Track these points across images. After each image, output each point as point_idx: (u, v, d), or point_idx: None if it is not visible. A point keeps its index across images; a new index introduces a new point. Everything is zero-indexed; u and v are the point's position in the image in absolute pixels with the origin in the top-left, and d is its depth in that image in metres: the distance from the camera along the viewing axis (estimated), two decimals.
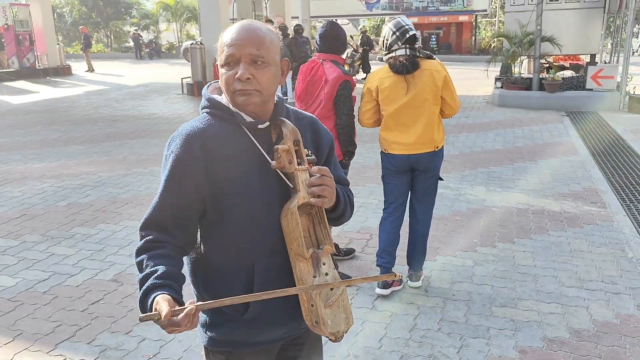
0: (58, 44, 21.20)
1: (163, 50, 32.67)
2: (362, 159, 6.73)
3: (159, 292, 1.26)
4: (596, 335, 3.04)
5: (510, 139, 8.19)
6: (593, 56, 12.57)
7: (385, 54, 3.41)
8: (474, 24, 28.60)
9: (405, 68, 3.28)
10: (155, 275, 1.31)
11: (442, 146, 3.46)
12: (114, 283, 3.76)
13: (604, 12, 12.04)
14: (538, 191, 5.64)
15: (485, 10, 27.44)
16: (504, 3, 14.59)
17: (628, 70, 10.89)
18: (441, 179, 3.56)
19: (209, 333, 1.52)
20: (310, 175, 1.40)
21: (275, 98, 1.49)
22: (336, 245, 4.11)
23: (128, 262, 4.05)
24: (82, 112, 11.57)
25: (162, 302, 1.21)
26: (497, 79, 12.08)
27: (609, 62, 12.70)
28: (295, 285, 1.36)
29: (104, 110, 11.77)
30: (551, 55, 11.78)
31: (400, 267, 3.76)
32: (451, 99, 3.39)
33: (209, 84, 1.55)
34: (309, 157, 1.44)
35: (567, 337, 3.03)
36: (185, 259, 1.49)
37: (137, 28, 33.89)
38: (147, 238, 1.39)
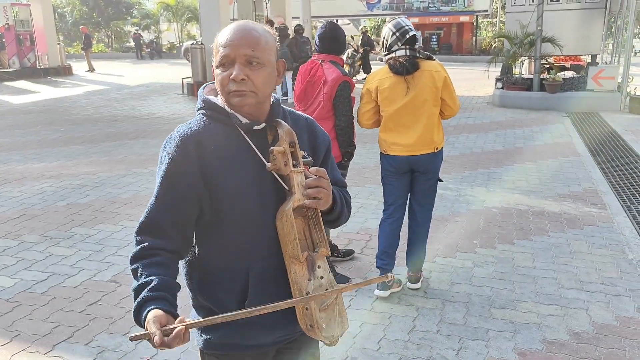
0: (59, 43, 21.22)
1: (164, 50, 32.67)
2: (362, 159, 6.72)
3: (153, 307, 1.25)
4: (596, 338, 3.02)
5: (511, 140, 8.17)
6: (594, 57, 12.55)
7: (385, 55, 3.40)
8: (474, 24, 28.57)
9: (405, 69, 3.27)
10: (150, 287, 1.30)
11: (442, 147, 3.45)
12: (113, 284, 3.75)
13: (605, 13, 12.03)
14: (538, 192, 5.63)
15: (486, 11, 27.41)
16: (505, 3, 14.57)
17: (629, 71, 10.87)
18: (440, 180, 3.55)
19: (204, 336, 1.51)
20: (307, 177, 1.39)
21: (272, 99, 1.48)
22: (335, 246, 4.10)
23: (126, 262, 4.01)
24: (82, 112, 11.57)
25: (152, 323, 1.20)
26: (497, 80, 12.06)
27: (609, 63, 12.68)
28: (289, 289, 1.35)
29: (104, 110, 11.77)
30: (552, 55, 11.77)
31: (400, 268, 3.75)
32: (451, 100, 3.38)
33: (205, 85, 1.54)
34: (305, 159, 1.43)
35: (567, 339, 3.02)
36: (180, 261, 1.48)
37: (137, 28, 33.90)
38: (142, 245, 1.37)
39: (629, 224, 4.70)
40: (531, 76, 11.76)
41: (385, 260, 3.53)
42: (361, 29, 21.94)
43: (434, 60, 3.40)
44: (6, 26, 18.53)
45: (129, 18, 36.78)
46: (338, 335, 1.38)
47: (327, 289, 1.35)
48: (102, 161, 7.18)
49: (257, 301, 1.39)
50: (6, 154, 7.68)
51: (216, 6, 12.89)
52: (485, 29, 31.21)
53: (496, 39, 16.50)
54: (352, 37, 20.54)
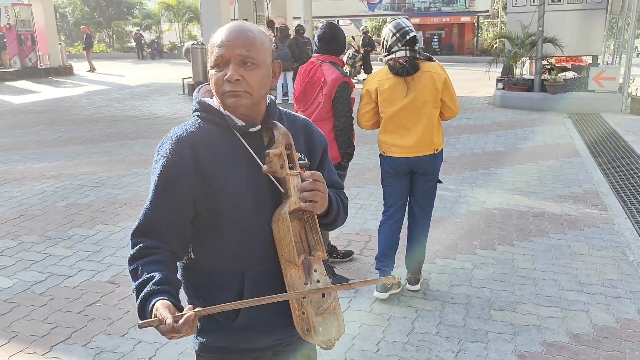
0: (60, 44, 21.22)
1: (165, 50, 32.67)
2: (362, 160, 6.71)
3: (159, 298, 1.25)
4: (596, 340, 3.01)
5: (512, 141, 8.16)
6: (595, 57, 12.52)
7: (385, 56, 3.39)
8: (476, 24, 28.54)
9: (405, 70, 3.25)
10: (153, 281, 1.29)
11: (442, 149, 3.44)
12: (111, 284, 3.74)
13: (606, 13, 12.01)
14: (539, 193, 5.61)
15: (488, 11, 27.39)
16: (506, 4, 14.57)
17: (630, 71, 10.85)
18: (440, 182, 3.54)
19: (199, 339, 1.50)
20: (303, 180, 1.38)
21: (267, 100, 1.47)
22: (335, 247, 4.08)
23: (125, 263, 4.01)
24: (83, 112, 11.57)
25: (162, 309, 1.20)
26: (498, 80, 12.04)
27: (611, 64, 12.66)
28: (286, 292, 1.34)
29: (105, 110, 11.77)
30: (553, 56, 11.75)
31: (399, 269, 3.74)
32: (451, 101, 3.37)
33: (200, 86, 1.53)
34: (301, 161, 1.42)
35: (567, 342, 3.00)
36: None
37: (139, 28, 33.91)
38: (140, 245, 1.37)
39: (629, 226, 4.69)
40: (532, 77, 11.75)
41: (384, 262, 3.52)
42: (362, 29, 21.93)
43: (434, 61, 3.38)
44: (7, 26, 18.54)
45: (130, 18, 36.79)
46: (334, 340, 1.37)
47: (323, 293, 1.34)
48: (102, 161, 7.18)
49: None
50: (6, 154, 7.68)
51: (217, 6, 12.88)
52: (486, 30, 31.17)
53: (497, 40, 16.49)
54: (353, 37, 20.50)
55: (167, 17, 33.86)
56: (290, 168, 1.36)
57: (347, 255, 4.11)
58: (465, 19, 27.92)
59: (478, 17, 27.87)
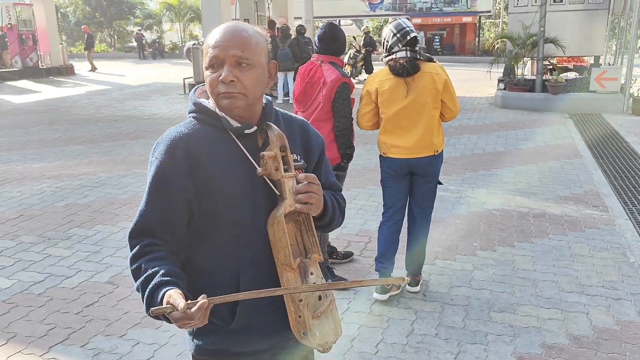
0: (61, 43, 21.23)
1: (166, 50, 32.67)
2: (363, 160, 6.69)
3: (169, 288, 1.24)
4: (596, 342, 2.99)
5: (513, 141, 8.14)
6: (597, 58, 12.49)
7: (386, 56, 3.37)
8: (477, 25, 28.51)
9: (405, 70, 3.24)
10: (160, 273, 1.28)
11: (442, 150, 3.42)
12: (110, 285, 3.73)
13: (608, 14, 11.98)
14: (539, 194, 5.60)
15: (489, 12, 27.35)
16: (508, 4, 14.54)
17: (632, 72, 10.82)
18: (440, 183, 3.52)
19: (195, 341, 1.49)
20: (297, 182, 1.36)
21: (264, 101, 1.45)
22: (334, 249, 4.07)
23: (124, 264, 4.01)
24: (83, 112, 11.57)
25: (175, 296, 1.19)
26: (500, 81, 12.02)
27: (612, 64, 12.63)
28: (282, 297, 1.32)
29: (105, 110, 11.77)
30: (554, 56, 11.72)
31: (399, 271, 3.73)
32: (451, 102, 3.35)
33: (196, 87, 1.51)
34: (297, 163, 1.41)
35: (567, 344, 2.98)
36: None
37: (140, 28, 33.91)
38: (141, 244, 1.36)
39: (630, 227, 4.67)
40: (533, 77, 11.71)
41: (384, 264, 3.51)
42: (363, 29, 21.91)
43: (435, 62, 3.37)
44: (9, 26, 18.56)
45: (132, 18, 36.79)
46: (331, 343, 1.35)
47: (319, 296, 1.32)
48: (102, 161, 7.17)
49: (248, 308, 1.36)
50: (6, 153, 7.67)
51: (218, 6, 12.88)
52: (488, 30, 31.13)
53: (499, 40, 16.46)
54: (354, 37, 20.48)
55: (169, 17, 33.86)
56: (285, 170, 1.35)
57: (347, 256, 4.10)
58: (466, 19, 27.88)
59: (480, 17, 27.84)
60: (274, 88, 12.92)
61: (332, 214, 1.48)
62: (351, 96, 3.60)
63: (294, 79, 12.20)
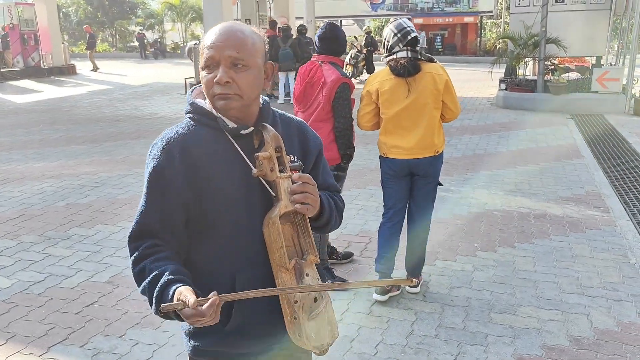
0: (63, 43, 21.25)
1: (168, 50, 32.69)
2: (363, 160, 6.69)
3: (179, 285, 1.24)
4: (596, 344, 2.98)
5: (514, 142, 8.12)
6: (599, 58, 12.46)
7: (386, 56, 3.36)
8: (479, 25, 28.47)
9: (406, 70, 3.22)
10: (168, 272, 1.28)
11: (442, 151, 3.41)
12: (110, 285, 3.73)
13: (610, 14, 11.96)
14: (540, 195, 5.58)
15: (491, 12, 27.31)
16: (510, 4, 14.53)
17: (634, 73, 10.79)
18: (440, 184, 3.51)
19: (192, 342, 1.49)
20: (293, 183, 1.36)
21: (261, 101, 1.45)
22: (334, 249, 4.07)
23: (124, 264, 4.02)
24: (85, 111, 11.57)
25: (185, 292, 1.18)
26: (501, 81, 12.00)
27: (614, 65, 12.60)
28: (278, 298, 1.31)
29: (107, 110, 11.77)
30: (556, 57, 11.70)
31: (399, 272, 3.72)
32: (452, 103, 3.34)
33: (193, 87, 1.51)
34: (294, 164, 1.40)
35: (567, 345, 2.97)
36: None
37: (142, 28, 33.93)
38: (143, 246, 1.35)
39: (632, 228, 4.65)
40: (535, 77, 11.70)
41: (384, 265, 3.50)
42: (365, 29, 21.89)
43: (436, 62, 3.36)
44: (10, 25, 18.58)
45: (134, 18, 36.82)
46: (328, 345, 1.34)
47: (315, 298, 1.32)
48: (103, 161, 7.18)
49: (244, 310, 1.36)
50: (7, 153, 7.68)
51: (219, 6, 12.87)
52: (489, 30, 31.10)
53: (500, 40, 16.45)
54: (355, 37, 20.46)
55: (170, 17, 33.87)
56: (281, 171, 1.34)
57: (347, 256, 4.09)
58: (468, 19, 27.84)
59: (481, 17, 27.80)
60: (275, 88, 12.92)
61: (329, 214, 1.47)
62: (351, 96, 3.59)
63: (295, 79, 12.16)
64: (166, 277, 1.27)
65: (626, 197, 5.47)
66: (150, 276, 1.29)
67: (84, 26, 28.02)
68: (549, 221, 4.84)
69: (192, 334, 1.48)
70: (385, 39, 3.34)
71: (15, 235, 4.64)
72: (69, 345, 3.03)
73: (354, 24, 33.52)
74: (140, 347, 3.00)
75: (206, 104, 1.42)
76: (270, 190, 1.35)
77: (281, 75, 12.25)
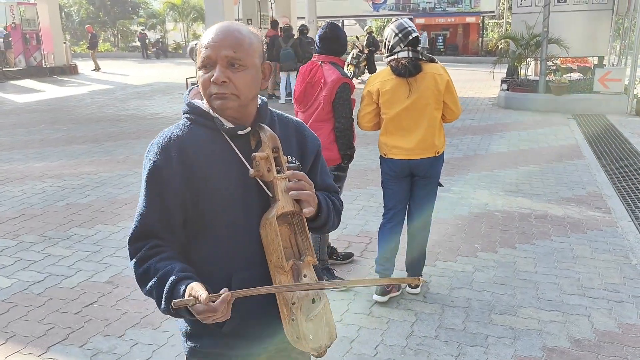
0: (65, 43, 21.29)
1: (169, 49, 32.73)
2: (364, 161, 6.68)
3: (190, 281, 1.23)
4: (597, 345, 2.97)
5: (515, 142, 8.10)
6: (601, 58, 12.43)
7: (387, 56, 3.35)
8: (481, 25, 28.45)
9: (407, 71, 3.21)
10: (176, 270, 1.28)
11: (443, 151, 3.40)
12: (109, 285, 3.73)
13: (612, 14, 11.93)
14: (541, 195, 5.57)
15: (493, 12, 27.29)
16: (512, 4, 14.51)
17: (636, 73, 10.77)
18: (441, 185, 3.50)
19: (189, 343, 1.48)
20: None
21: (259, 101, 1.44)
22: (335, 249, 4.06)
23: (124, 264, 4.02)
24: (86, 111, 11.58)
25: (197, 288, 1.18)
26: (503, 81, 11.98)
27: (616, 65, 12.57)
28: (275, 300, 1.31)
29: (108, 109, 11.78)
30: (558, 57, 11.68)
31: (399, 272, 3.71)
32: (453, 103, 3.32)
33: (190, 88, 1.50)
34: (291, 164, 1.39)
35: (568, 347, 2.96)
36: None
37: (143, 27, 33.97)
38: (146, 247, 1.34)
39: (633, 229, 4.64)
40: (537, 78, 11.69)
41: (384, 265, 3.49)
42: (366, 29, 21.89)
43: (437, 62, 3.34)
44: (13, 25, 18.60)
45: (135, 17, 36.87)
46: (326, 347, 1.33)
47: (313, 299, 1.31)
48: (104, 161, 7.17)
49: (241, 311, 1.34)
50: (8, 152, 7.68)
51: (221, 6, 12.87)
52: (491, 30, 31.08)
53: (502, 40, 16.42)
54: (357, 37, 20.46)
55: (172, 17, 33.93)
56: (278, 172, 1.33)
57: (347, 257, 4.08)
58: (470, 19, 27.84)
59: (483, 17, 27.78)
60: (277, 88, 12.91)
61: (326, 215, 1.46)
62: (352, 97, 3.58)
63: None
64: (176, 274, 1.26)
65: (628, 198, 5.46)
66: (158, 275, 1.29)
67: (86, 26, 28.05)
68: (550, 222, 4.82)
69: (189, 335, 1.47)
70: (386, 39, 3.33)
71: (16, 235, 4.63)
72: (68, 345, 3.02)
73: (355, 24, 33.52)
74: (140, 348, 3.00)
75: (203, 104, 1.42)
76: (268, 191, 1.34)
77: (283, 76, 12.25)
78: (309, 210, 1.34)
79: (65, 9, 35.96)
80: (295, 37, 12.36)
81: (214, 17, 13.01)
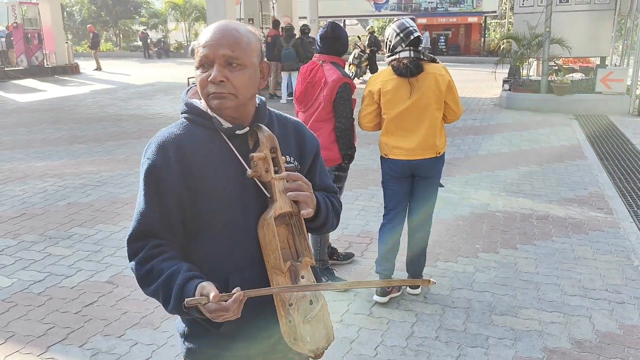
0: (67, 42, 21.32)
1: (171, 49, 32.75)
2: (365, 161, 6.67)
3: (200, 280, 1.23)
4: (598, 347, 2.96)
5: (517, 142, 8.09)
6: (603, 59, 12.40)
7: (389, 56, 3.34)
8: (483, 25, 28.41)
9: (409, 71, 3.19)
10: (184, 269, 1.27)
11: (444, 152, 3.38)
12: (109, 285, 3.72)
13: (615, 14, 11.90)
14: (543, 196, 5.55)
15: (495, 12, 27.26)
16: (514, 4, 14.48)
17: (639, 73, 10.74)
18: (442, 186, 3.49)
19: (187, 344, 1.47)
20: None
21: (257, 101, 1.43)
22: (335, 250, 4.05)
23: (124, 263, 4.01)
24: (87, 111, 11.59)
25: (208, 287, 1.18)
26: (505, 81, 11.96)
27: (619, 65, 12.55)
28: (272, 300, 1.30)
29: (109, 109, 11.78)
30: (560, 57, 11.65)
31: (400, 273, 3.70)
32: (454, 104, 3.31)
33: (188, 87, 1.49)
34: (289, 165, 1.38)
35: (569, 348, 2.95)
36: None
37: (145, 27, 33.99)
38: (148, 246, 1.33)
39: (635, 230, 4.62)
40: (539, 78, 11.67)
41: (384, 266, 3.48)
42: (368, 29, 21.87)
43: (438, 62, 3.33)
44: (14, 24, 18.62)
45: (137, 17, 36.91)
46: (323, 348, 1.33)
47: (310, 301, 1.30)
48: (105, 160, 7.17)
49: None
50: (10, 152, 7.69)
51: (223, 6, 12.88)
52: (493, 30, 31.03)
53: (504, 40, 16.39)
54: (359, 37, 20.44)
55: (174, 17, 33.94)
56: (276, 172, 1.32)
57: (348, 257, 4.07)
58: (472, 19, 27.79)
59: (485, 17, 27.74)
60: (278, 88, 12.91)
61: (325, 215, 1.45)
62: (353, 96, 3.57)
63: None
64: (184, 273, 1.26)
65: (630, 199, 5.44)
66: (164, 275, 1.28)
67: (88, 25, 28.07)
68: (551, 222, 4.81)
69: (186, 336, 1.47)
70: (387, 38, 3.32)
71: (16, 235, 4.63)
72: (67, 345, 3.02)
73: (357, 23, 33.50)
74: (139, 347, 2.99)
75: (201, 104, 1.41)
76: (265, 192, 1.33)
77: (284, 75, 12.24)
78: (307, 212, 1.33)
79: (67, 9, 36.00)
80: (297, 36, 12.35)
81: (215, 16, 13.01)
